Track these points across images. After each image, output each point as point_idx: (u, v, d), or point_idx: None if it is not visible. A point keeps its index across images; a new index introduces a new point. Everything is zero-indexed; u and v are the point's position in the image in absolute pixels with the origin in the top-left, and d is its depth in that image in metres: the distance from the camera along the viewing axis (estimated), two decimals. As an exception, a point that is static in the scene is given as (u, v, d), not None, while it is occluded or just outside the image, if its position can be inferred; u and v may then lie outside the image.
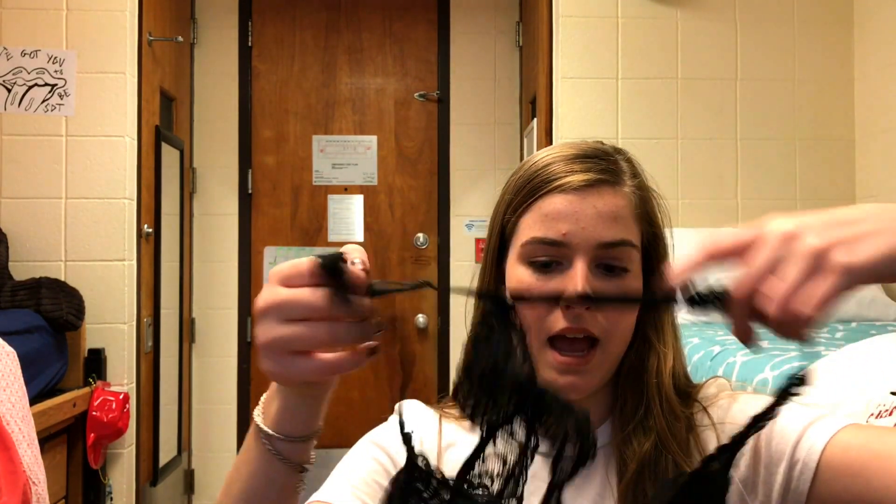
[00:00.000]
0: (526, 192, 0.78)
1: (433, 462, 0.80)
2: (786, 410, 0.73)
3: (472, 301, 0.86)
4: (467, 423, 0.84)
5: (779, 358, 1.53)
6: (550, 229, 0.75)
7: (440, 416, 0.86)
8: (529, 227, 0.77)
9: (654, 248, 0.80)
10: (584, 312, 0.74)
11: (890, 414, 1.20)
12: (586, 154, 0.79)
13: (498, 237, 0.82)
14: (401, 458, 0.81)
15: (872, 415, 1.22)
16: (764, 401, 0.76)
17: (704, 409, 0.79)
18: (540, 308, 0.75)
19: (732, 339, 1.87)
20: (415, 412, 0.87)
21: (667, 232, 0.82)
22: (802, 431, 0.71)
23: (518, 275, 0.78)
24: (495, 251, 0.82)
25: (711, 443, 0.76)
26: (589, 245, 0.74)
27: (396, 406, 0.88)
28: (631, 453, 0.76)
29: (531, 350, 0.76)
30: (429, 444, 0.83)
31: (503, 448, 0.83)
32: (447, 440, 0.83)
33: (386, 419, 0.89)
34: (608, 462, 0.79)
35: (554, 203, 0.76)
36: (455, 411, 0.86)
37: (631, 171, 0.80)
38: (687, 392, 0.81)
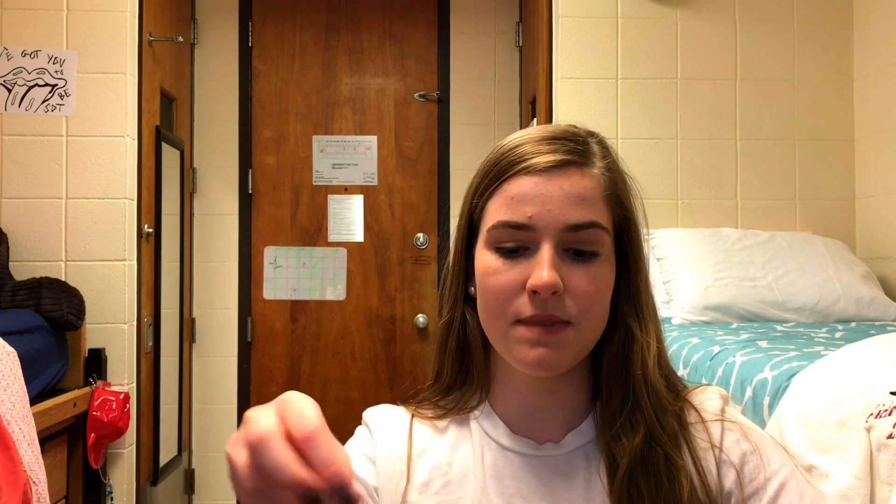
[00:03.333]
0: (493, 175, 0.76)
1: (404, 469, 0.79)
2: (793, 474, 0.73)
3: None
4: (441, 423, 0.83)
5: (778, 358, 1.54)
6: (516, 212, 0.73)
7: (412, 416, 0.84)
8: (496, 211, 0.75)
9: (626, 232, 0.78)
10: (551, 298, 0.72)
11: (889, 414, 1.20)
12: (555, 136, 0.77)
13: (466, 223, 0.80)
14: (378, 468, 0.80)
15: (872, 415, 1.22)
16: (779, 456, 0.74)
17: (704, 422, 0.77)
18: (506, 293, 0.73)
19: (732, 338, 1.88)
20: (382, 420, 0.84)
21: (639, 216, 0.79)
22: None
23: (485, 260, 0.76)
24: (465, 238, 0.80)
25: (710, 462, 0.75)
26: (555, 228, 0.72)
27: (364, 416, 0.86)
28: (621, 450, 0.74)
29: (496, 336, 0.76)
30: (398, 453, 0.81)
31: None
32: (419, 446, 0.81)
33: None
34: (594, 460, 0.77)
35: (520, 185, 0.74)
36: (429, 411, 0.84)
37: (601, 152, 0.78)
38: (674, 385, 0.79)
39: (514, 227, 0.74)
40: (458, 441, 0.81)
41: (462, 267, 0.81)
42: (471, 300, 0.81)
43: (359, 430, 0.85)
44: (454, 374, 0.83)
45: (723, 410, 0.77)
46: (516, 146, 0.77)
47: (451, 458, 0.80)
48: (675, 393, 0.79)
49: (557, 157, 0.74)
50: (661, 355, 0.78)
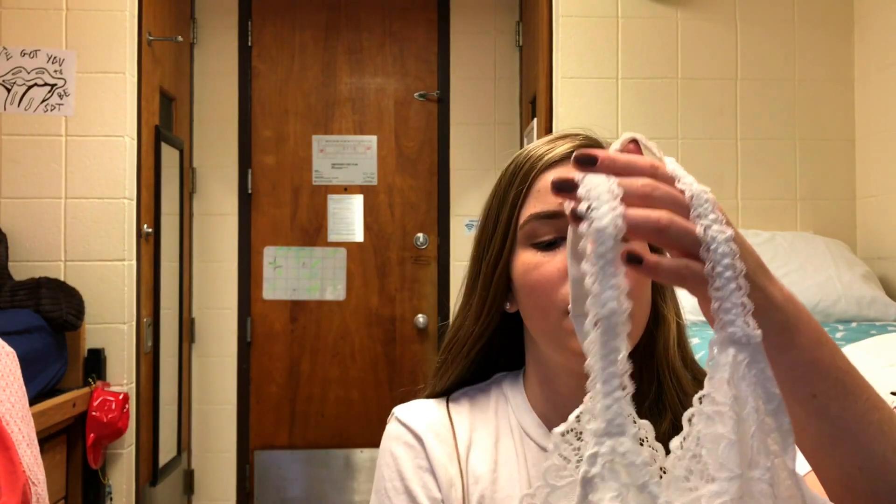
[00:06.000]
0: (519, 181, 0.77)
1: (455, 470, 0.77)
2: None
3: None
4: (482, 412, 0.82)
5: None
6: (546, 202, 0.74)
7: (448, 411, 0.82)
8: (525, 209, 0.76)
9: None
10: None
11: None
12: (567, 133, 0.80)
13: (503, 236, 0.78)
14: (437, 478, 0.77)
15: (873, 415, 1.21)
16: None
17: None
18: (552, 283, 0.73)
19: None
20: (425, 423, 0.80)
21: None
22: None
23: (524, 259, 0.75)
24: (499, 251, 0.79)
25: None
26: None
27: (393, 415, 0.82)
28: None
29: (547, 332, 0.75)
30: (448, 456, 0.78)
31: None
32: (464, 444, 0.79)
33: (386, 419, 0.85)
34: None
35: (545, 179, 0.75)
36: (465, 401, 0.83)
37: (610, 145, 0.80)
38: (693, 369, 0.79)
39: (546, 216, 0.74)
40: (500, 437, 0.80)
41: (500, 278, 0.79)
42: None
43: (399, 434, 0.80)
44: (467, 379, 0.84)
45: None
46: (531, 150, 0.79)
47: (497, 457, 0.79)
48: (697, 380, 0.79)
49: (576, 142, 0.77)
50: (680, 336, 0.79)
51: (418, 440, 0.79)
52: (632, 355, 0.77)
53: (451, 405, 0.83)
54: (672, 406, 0.74)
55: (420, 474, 0.77)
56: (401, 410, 0.82)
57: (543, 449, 0.78)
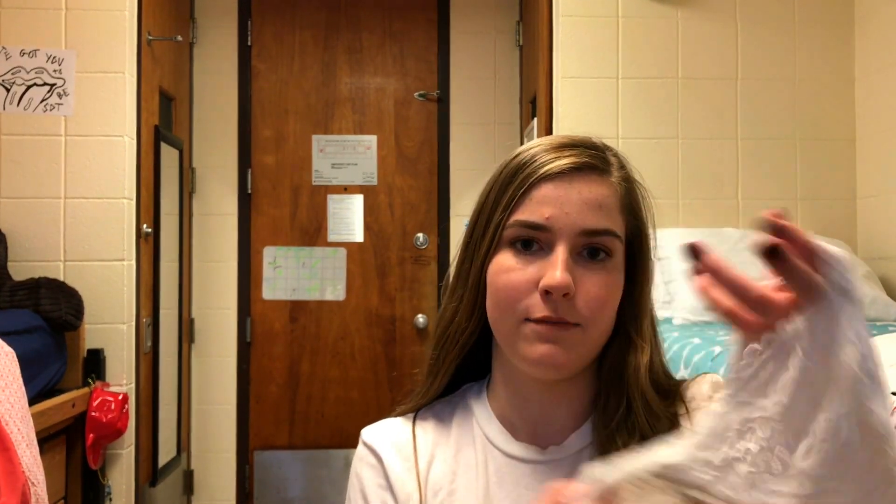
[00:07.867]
0: (515, 186, 0.77)
1: (415, 488, 0.80)
2: None
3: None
4: (445, 427, 0.84)
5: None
6: (534, 213, 0.75)
7: (413, 428, 0.84)
8: (515, 214, 0.76)
9: (637, 242, 0.79)
10: (562, 301, 0.72)
11: (891, 414, 1.19)
12: (574, 142, 0.78)
13: (491, 239, 0.78)
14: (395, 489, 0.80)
15: (874, 415, 1.21)
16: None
17: (688, 411, 0.77)
18: (519, 291, 0.74)
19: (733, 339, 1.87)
20: (386, 442, 0.84)
21: (650, 228, 0.80)
22: None
23: (500, 259, 0.76)
24: (485, 253, 0.78)
25: None
26: (571, 231, 0.74)
27: (360, 436, 0.86)
28: (615, 450, 0.74)
29: (504, 334, 0.77)
30: (407, 473, 0.81)
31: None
32: (425, 459, 0.82)
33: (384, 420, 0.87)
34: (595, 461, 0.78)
35: (542, 189, 0.75)
36: (431, 419, 0.85)
37: (618, 163, 0.79)
38: (668, 389, 0.79)
39: (531, 226, 0.75)
40: (461, 448, 0.82)
41: (482, 284, 0.80)
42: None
43: (362, 455, 0.84)
44: (452, 378, 0.85)
45: (710, 397, 0.77)
46: (535, 154, 0.78)
47: (456, 468, 0.81)
48: (670, 399, 0.79)
49: (577, 159, 0.76)
50: (653, 363, 0.79)
51: (379, 460, 0.82)
52: (599, 375, 0.79)
53: (417, 422, 0.85)
54: (641, 427, 0.75)
55: (380, 493, 0.81)
56: (366, 432, 0.86)
57: (507, 455, 0.79)
